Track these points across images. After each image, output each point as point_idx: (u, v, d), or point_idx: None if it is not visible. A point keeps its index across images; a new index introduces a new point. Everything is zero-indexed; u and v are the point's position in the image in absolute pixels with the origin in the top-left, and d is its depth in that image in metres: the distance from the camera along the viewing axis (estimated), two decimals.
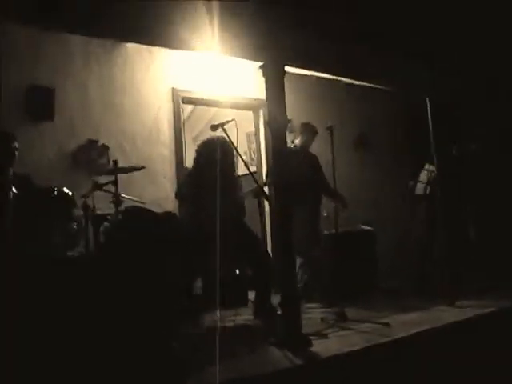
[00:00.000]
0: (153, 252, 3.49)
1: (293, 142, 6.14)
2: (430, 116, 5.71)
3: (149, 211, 3.86)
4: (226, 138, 4.48)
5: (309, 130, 6.15)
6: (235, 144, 4.54)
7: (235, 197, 4.87)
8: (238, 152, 4.54)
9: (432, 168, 6.17)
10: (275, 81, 4.18)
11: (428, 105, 5.73)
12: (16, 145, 4.41)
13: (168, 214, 4.10)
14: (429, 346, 4.13)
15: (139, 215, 3.78)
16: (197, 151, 4.98)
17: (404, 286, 6.23)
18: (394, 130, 8.04)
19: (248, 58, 4.34)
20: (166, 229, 3.68)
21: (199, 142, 5.11)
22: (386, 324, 4.44)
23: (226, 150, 4.73)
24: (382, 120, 7.93)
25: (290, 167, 5.10)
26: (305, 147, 6.17)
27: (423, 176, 6.52)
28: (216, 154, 4.65)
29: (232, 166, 4.87)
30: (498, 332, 4.64)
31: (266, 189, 5.20)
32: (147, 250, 3.48)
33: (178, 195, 5.18)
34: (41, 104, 5.54)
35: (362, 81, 5.72)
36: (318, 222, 6.09)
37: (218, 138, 4.77)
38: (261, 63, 4.22)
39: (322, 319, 4.75)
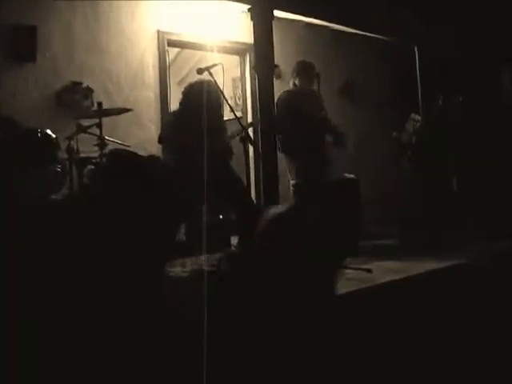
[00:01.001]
0: (137, 195, 3.48)
1: (295, 84, 5.69)
2: (417, 65, 5.68)
3: (133, 154, 3.84)
4: (213, 81, 4.44)
5: (308, 69, 5.73)
6: (222, 88, 4.50)
7: (220, 140, 4.83)
8: (224, 97, 4.50)
9: (418, 118, 6.17)
10: (263, 24, 4.14)
11: (416, 54, 5.70)
12: None
13: (152, 157, 4.08)
14: (408, 293, 4.20)
15: (123, 158, 3.75)
16: (183, 93, 4.89)
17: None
18: (382, 80, 7.98)
19: (236, 0, 4.27)
20: (150, 172, 3.67)
21: (186, 85, 5.03)
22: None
23: (213, 93, 4.67)
24: (370, 69, 7.85)
25: (300, 111, 5.13)
26: (308, 87, 5.71)
27: (408, 125, 6.52)
28: (202, 96, 4.60)
29: (218, 110, 4.80)
30: (473, 281, 4.71)
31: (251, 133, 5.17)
32: (131, 194, 3.47)
33: (161, 137, 5.01)
34: (23, 43, 5.41)
35: (351, 27, 5.66)
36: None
37: (205, 81, 4.70)
38: (248, 6, 4.15)
39: None
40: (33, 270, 3.07)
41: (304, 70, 5.60)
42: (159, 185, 3.67)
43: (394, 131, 6.60)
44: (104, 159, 4.11)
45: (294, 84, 5.62)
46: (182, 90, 4.95)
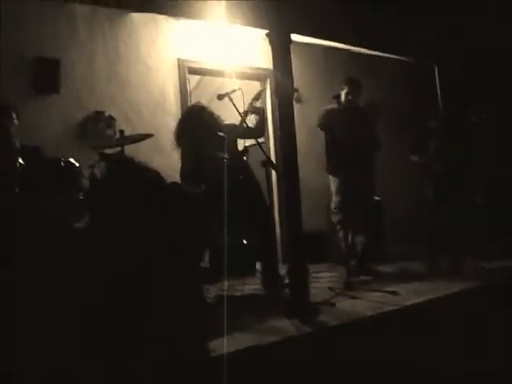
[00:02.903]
0: (160, 222, 3.48)
1: (338, 98, 5.59)
2: (438, 84, 5.66)
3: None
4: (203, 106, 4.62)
5: (353, 84, 5.70)
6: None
7: (234, 159, 4.80)
8: (245, 120, 4.52)
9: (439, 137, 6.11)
10: (281, 48, 4.15)
11: (436, 72, 5.68)
12: (14, 116, 4.37)
13: (175, 185, 4.07)
14: (436, 315, 4.13)
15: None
16: (174, 133, 4.91)
17: (413, 254, 6.23)
18: (401, 100, 7.96)
19: (254, 26, 4.30)
20: (172, 198, 3.66)
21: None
22: (394, 292, 4.45)
23: (197, 118, 4.75)
24: (391, 89, 7.84)
25: (335, 129, 5.28)
26: (352, 102, 5.66)
27: (431, 146, 6.45)
28: (189, 129, 4.70)
29: (211, 131, 4.72)
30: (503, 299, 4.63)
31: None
32: (154, 220, 3.46)
33: (182, 176, 4.90)
34: (46, 76, 5.51)
35: (369, 48, 5.66)
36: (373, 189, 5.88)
37: (186, 110, 4.78)
38: (266, 31, 4.18)
39: (329, 288, 4.77)
40: (56, 297, 3.08)
41: (348, 85, 5.65)
42: (182, 210, 3.66)
43: (411, 155, 6.54)
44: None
45: (338, 101, 5.59)
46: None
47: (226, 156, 4.39)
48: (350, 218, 5.48)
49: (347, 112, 5.55)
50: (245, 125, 4.74)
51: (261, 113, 5.01)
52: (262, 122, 5.06)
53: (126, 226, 3.22)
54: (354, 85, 5.65)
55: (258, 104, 5.06)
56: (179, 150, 4.91)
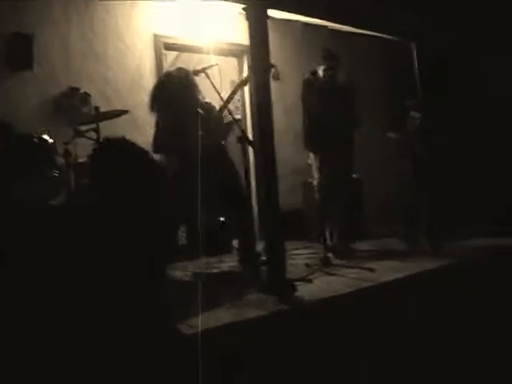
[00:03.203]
0: (136, 199, 3.45)
1: (315, 74, 5.49)
2: (416, 63, 5.65)
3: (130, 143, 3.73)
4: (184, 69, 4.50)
5: (331, 56, 5.55)
6: (219, 91, 4.46)
7: (209, 134, 4.73)
8: (221, 97, 4.45)
9: (418, 115, 6.12)
10: (258, 24, 4.10)
11: (414, 51, 5.66)
12: None
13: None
14: (411, 292, 4.17)
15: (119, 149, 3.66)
16: (151, 96, 4.76)
17: (391, 232, 6.27)
18: (379, 78, 7.95)
19: (230, 1, 4.24)
20: (148, 174, 3.62)
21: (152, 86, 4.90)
22: (370, 269, 4.48)
23: (179, 84, 4.62)
24: (368, 67, 7.82)
25: (314, 104, 5.20)
26: (332, 78, 5.53)
27: (409, 124, 6.47)
28: (169, 94, 4.56)
29: (191, 101, 4.64)
30: (478, 280, 4.68)
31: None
32: (131, 197, 3.44)
33: (154, 149, 4.70)
34: (20, 52, 5.41)
35: (348, 25, 5.62)
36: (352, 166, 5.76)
37: (164, 74, 4.65)
38: (243, 6, 4.13)
39: (306, 265, 4.79)
40: (31, 275, 3.05)
41: (327, 57, 5.51)
42: (156, 183, 3.63)
43: (388, 131, 6.55)
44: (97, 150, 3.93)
45: (314, 74, 5.48)
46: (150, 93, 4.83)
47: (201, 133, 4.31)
48: (331, 195, 5.42)
49: (327, 88, 5.42)
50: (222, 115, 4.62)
51: (231, 126, 4.79)
52: (227, 132, 4.87)
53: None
54: (333, 59, 5.52)
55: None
56: (154, 114, 4.79)
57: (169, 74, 4.82)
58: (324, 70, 5.45)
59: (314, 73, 5.44)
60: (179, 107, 4.53)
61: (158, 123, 4.78)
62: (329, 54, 5.54)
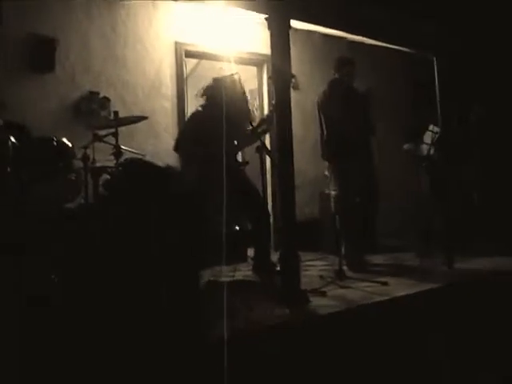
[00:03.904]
0: (153, 205, 3.46)
1: (331, 83, 5.55)
2: (436, 76, 5.61)
3: (149, 163, 3.81)
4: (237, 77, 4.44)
5: (346, 63, 5.62)
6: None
7: (238, 146, 4.74)
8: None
9: (436, 129, 6.10)
10: (280, 34, 4.10)
11: (435, 65, 5.63)
12: None
13: (169, 168, 4.03)
14: (425, 306, 4.14)
15: (139, 167, 3.72)
16: (206, 91, 4.77)
17: (405, 246, 6.23)
18: (398, 90, 7.93)
19: (253, 10, 4.23)
20: (166, 182, 3.64)
21: (208, 83, 4.86)
22: (384, 283, 4.45)
23: (239, 88, 4.60)
24: (387, 79, 7.80)
25: (332, 113, 5.18)
26: (346, 85, 5.54)
27: (427, 137, 6.45)
28: (228, 94, 4.51)
29: (245, 113, 4.67)
30: (492, 294, 4.64)
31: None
32: (147, 203, 3.45)
33: (177, 144, 4.81)
34: (42, 54, 5.46)
35: (367, 37, 5.60)
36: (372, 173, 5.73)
37: (228, 76, 4.61)
38: (265, 16, 4.13)
39: (320, 276, 4.77)
40: (49, 278, 3.07)
41: (341, 64, 5.55)
42: (176, 195, 3.64)
43: (405, 144, 6.53)
44: (119, 168, 4.06)
45: (331, 83, 5.50)
46: (204, 88, 4.83)
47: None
48: (351, 206, 5.35)
49: (345, 97, 5.39)
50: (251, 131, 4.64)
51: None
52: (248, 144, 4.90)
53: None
54: (348, 65, 5.57)
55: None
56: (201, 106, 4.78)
57: (222, 79, 4.76)
58: (341, 78, 5.47)
59: (332, 83, 5.44)
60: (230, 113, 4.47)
61: (193, 119, 4.77)
62: (344, 60, 5.56)
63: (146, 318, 3.00)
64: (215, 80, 4.80)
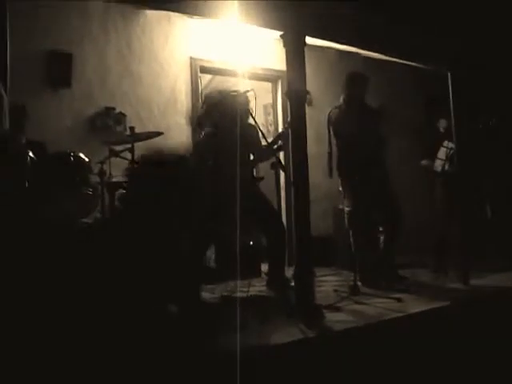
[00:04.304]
0: (168, 219, 3.46)
1: (344, 99, 5.48)
2: (451, 92, 5.61)
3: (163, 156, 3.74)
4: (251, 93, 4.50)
5: (358, 79, 5.52)
6: (253, 114, 4.51)
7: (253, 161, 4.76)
8: (255, 121, 4.49)
9: (451, 145, 6.08)
10: (296, 51, 4.12)
11: (449, 79, 5.63)
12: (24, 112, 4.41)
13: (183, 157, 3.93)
14: (440, 323, 4.11)
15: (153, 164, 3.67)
16: (210, 107, 4.72)
17: (419, 262, 6.20)
18: (412, 105, 7.93)
19: (268, 27, 4.27)
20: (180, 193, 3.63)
21: (208, 97, 4.85)
22: (399, 299, 4.43)
23: (243, 103, 4.61)
24: (402, 95, 7.81)
25: (345, 129, 5.19)
26: (359, 100, 5.47)
27: (441, 153, 6.43)
28: (236, 109, 4.51)
29: (249, 127, 4.68)
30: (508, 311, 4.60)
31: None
32: (162, 217, 3.45)
33: (196, 156, 4.71)
34: (59, 70, 5.53)
35: (382, 53, 5.62)
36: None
37: (230, 92, 4.63)
38: (281, 32, 4.16)
39: (335, 290, 4.75)
40: (64, 292, 3.08)
41: (352, 81, 5.48)
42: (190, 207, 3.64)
43: (422, 160, 6.51)
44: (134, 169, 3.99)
45: (344, 99, 5.47)
46: (206, 104, 4.81)
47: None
48: (366, 222, 5.31)
49: (356, 111, 5.35)
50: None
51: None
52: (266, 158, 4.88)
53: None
54: (361, 82, 5.49)
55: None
56: (207, 119, 4.76)
57: (230, 93, 4.77)
58: (352, 92, 5.43)
59: (345, 99, 5.43)
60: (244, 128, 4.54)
61: (208, 136, 4.74)
62: (356, 76, 5.53)
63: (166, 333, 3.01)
64: (207, 96, 4.83)
